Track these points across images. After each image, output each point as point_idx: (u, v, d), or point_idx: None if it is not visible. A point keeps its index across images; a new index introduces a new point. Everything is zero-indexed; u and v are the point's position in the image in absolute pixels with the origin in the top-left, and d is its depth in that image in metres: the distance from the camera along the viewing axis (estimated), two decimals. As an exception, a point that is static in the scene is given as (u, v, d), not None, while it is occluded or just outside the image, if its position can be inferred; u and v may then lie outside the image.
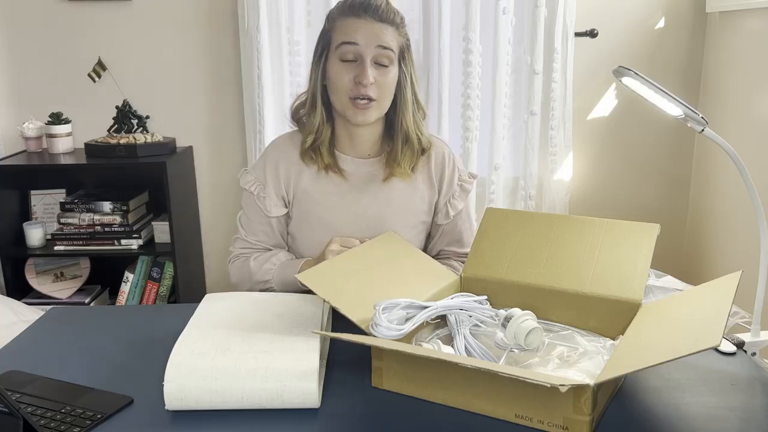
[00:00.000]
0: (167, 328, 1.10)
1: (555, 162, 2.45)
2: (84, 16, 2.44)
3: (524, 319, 0.98)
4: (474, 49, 2.32)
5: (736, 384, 0.95)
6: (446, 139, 2.32)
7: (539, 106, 2.40)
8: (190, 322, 1.04)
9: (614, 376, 0.81)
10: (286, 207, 1.40)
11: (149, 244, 2.41)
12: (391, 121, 1.37)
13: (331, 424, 0.87)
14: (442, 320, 1.08)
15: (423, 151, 1.39)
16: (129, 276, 2.41)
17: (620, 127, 2.55)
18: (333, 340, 1.07)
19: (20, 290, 2.39)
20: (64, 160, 2.37)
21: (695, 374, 0.98)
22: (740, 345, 1.07)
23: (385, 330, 0.95)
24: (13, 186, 2.43)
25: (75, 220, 2.35)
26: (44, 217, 2.48)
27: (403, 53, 1.33)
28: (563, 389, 0.76)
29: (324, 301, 1.02)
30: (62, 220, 2.36)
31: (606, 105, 2.53)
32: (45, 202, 2.50)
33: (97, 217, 2.35)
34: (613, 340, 1.02)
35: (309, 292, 1.05)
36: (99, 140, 2.38)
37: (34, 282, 2.40)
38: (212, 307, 1.11)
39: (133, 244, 2.36)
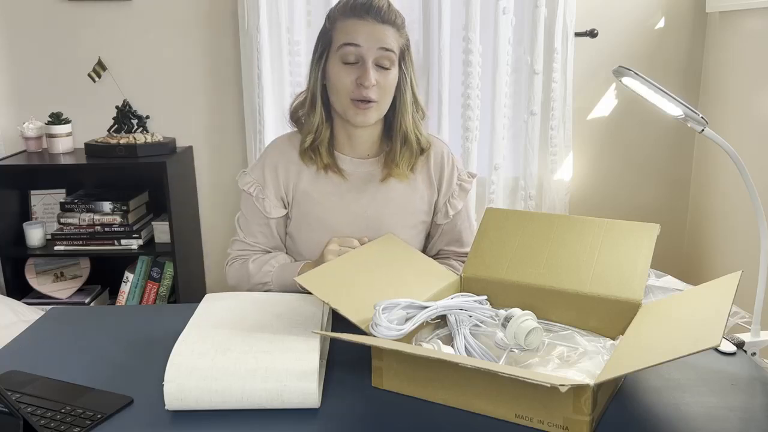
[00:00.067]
0: (167, 328, 1.10)
1: (555, 162, 2.45)
2: (84, 16, 2.44)
3: (524, 319, 0.98)
4: (474, 49, 2.31)
5: (736, 384, 0.95)
6: (446, 139, 2.33)
7: (539, 106, 2.40)
8: (190, 322, 1.04)
9: (614, 376, 0.81)
10: (285, 208, 1.39)
11: (149, 244, 2.41)
12: (390, 122, 1.37)
13: (331, 424, 0.87)
14: (442, 320, 1.08)
15: (422, 151, 1.39)
16: (129, 276, 2.41)
17: (620, 127, 2.55)
18: (333, 340, 1.07)
19: (20, 290, 2.39)
20: (64, 160, 2.37)
21: (695, 374, 0.98)
22: (740, 345, 1.07)
23: (385, 330, 0.95)
24: (13, 186, 2.43)
25: (75, 220, 2.35)
26: (44, 217, 2.49)
27: (404, 54, 1.33)
28: (563, 389, 0.76)
29: (324, 302, 1.02)
30: (62, 220, 2.36)
31: (606, 105, 2.53)
32: (45, 202, 2.50)
33: (97, 217, 2.35)
34: (613, 340, 1.02)
35: (308, 293, 1.05)
36: (99, 140, 2.38)
37: (34, 282, 2.40)
38: (212, 307, 1.11)
39: (133, 244, 2.36)
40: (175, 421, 0.88)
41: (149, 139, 2.37)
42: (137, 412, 0.91)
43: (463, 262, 1.40)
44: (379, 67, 1.28)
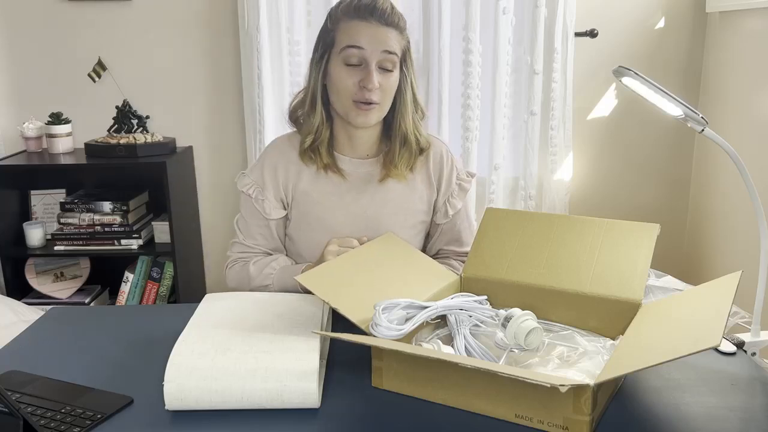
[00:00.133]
0: (167, 328, 1.10)
1: (555, 162, 2.45)
2: (84, 16, 2.44)
3: (524, 319, 0.98)
4: (474, 49, 2.32)
5: (736, 384, 0.95)
6: (446, 139, 2.33)
7: (539, 106, 2.40)
8: (190, 322, 1.04)
9: (614, 376, 0.81)
10: (285, 209, 1.39)
11: (149, 244, 2.41)
12: (390, 122, 1.37)
13: (331, 424, 0.87)
14: (442, 320, 1.08)
15: (421, 150, 1.39)
16: (129, 276, 2.41)
17: (620, 127, 2.55)
18: (333, 340, 1.07)
19: (20, 290, 2.39)
20: (64, 160, 2.37)
21: (695, 374, 0.98)
22: (740, 345, 1.07)
23: (385, 330, 0.95)
24: (13, 186, 2.43)
25: (75, 220, 2.35)
26: (44, 217, 2.49)
27: (405, 56, 1.32)
28: (563, 389, 0.76)
29: (324, 301, 1.02)
30: (62, 220, 2.36)
31: (606, 105, 2.53)
32: (45, 202, 2.50)
33: (97, 217, 2.35)
34: (613, 340, 1.02)
35: (309, 293, 1.05)
36: (99, 140, 2.38)
37: (34, 282, 2.40)
38: (212, 307, 1.11)
39: (133, 244, 2.36)
40: (175, 421, 0.88)
41: (149, 139, 2.37)
42: (137, 412, 0.91)
43: (463, 261, 1.40)
44: (382, 69, 1.28)
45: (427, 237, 1.47)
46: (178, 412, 0.90)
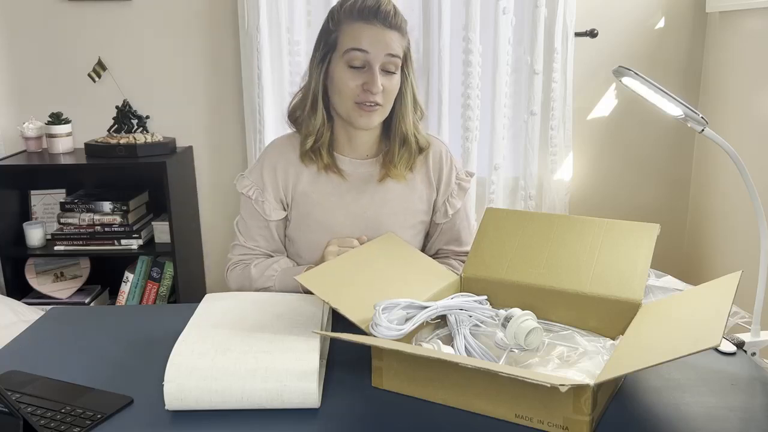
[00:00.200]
0: (167, 328, 1.10)
1: (555, 162, 2.45)
2: (84, 16, 2.44)
3: (524, 319, 0.98)
4: (474, 49, 2.32)
5: (736, 384, 0.95)
6: (446, 139, 2.33)
7: (539, 106, 2.40)
8: (190, 322, 1.04)
9: (614, 376, 0.81)
10: (285, 210, 1.39)
11: (149, 244, 2.41)
12: (389, 123, 1.36)
13: (331, 424, 0.87)
14: (442, 320, 1.08)
15: (421, 150, 1.39)
16: (129, 276, 2.41)
17: (620, 127, 2.55)
18: (333, 340, 1.07)
19: (20, 290, 2.39)
20: (64, 160, 2.37)
21: (695, 374, 0.98)
22: (740, 345, 1.07)
23: (385, 330, 0.95)
24: (13, 186, 2.43)
25: (75, 220, 2.35)
26: (44, 217, 2.49)
27: (406, 57, 1.32)
28: (563, 389, 0.76)
29: (324, 301, 1.02)
30: (62, 220, 2.36)
31: (606, 105, 2.53)
32: (45, 202, 2.50)
33: (97, 217, 2.35)
34: (613, 340, 1.02)
35: (309, 293, 1.05)
36: (99, 140, 2.38)
37: (34, 282, 2.40)
38: (212, 307, 1.11)
39: (133, 244, 2.36)
40: (175, 421, 0.88)
41: (149, 139, 2.37)
42: (137, 412, 0.91)
43: (463, 261, 1.40)
44: (385, 71, 1.28)
45: (427, 236, 1.47)
46: (178, 412, 0.90)
